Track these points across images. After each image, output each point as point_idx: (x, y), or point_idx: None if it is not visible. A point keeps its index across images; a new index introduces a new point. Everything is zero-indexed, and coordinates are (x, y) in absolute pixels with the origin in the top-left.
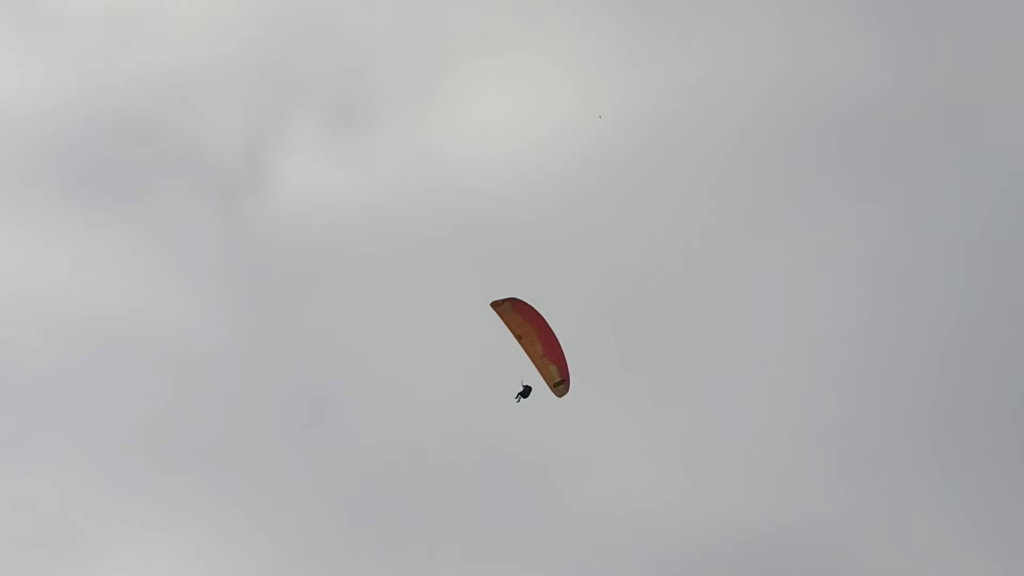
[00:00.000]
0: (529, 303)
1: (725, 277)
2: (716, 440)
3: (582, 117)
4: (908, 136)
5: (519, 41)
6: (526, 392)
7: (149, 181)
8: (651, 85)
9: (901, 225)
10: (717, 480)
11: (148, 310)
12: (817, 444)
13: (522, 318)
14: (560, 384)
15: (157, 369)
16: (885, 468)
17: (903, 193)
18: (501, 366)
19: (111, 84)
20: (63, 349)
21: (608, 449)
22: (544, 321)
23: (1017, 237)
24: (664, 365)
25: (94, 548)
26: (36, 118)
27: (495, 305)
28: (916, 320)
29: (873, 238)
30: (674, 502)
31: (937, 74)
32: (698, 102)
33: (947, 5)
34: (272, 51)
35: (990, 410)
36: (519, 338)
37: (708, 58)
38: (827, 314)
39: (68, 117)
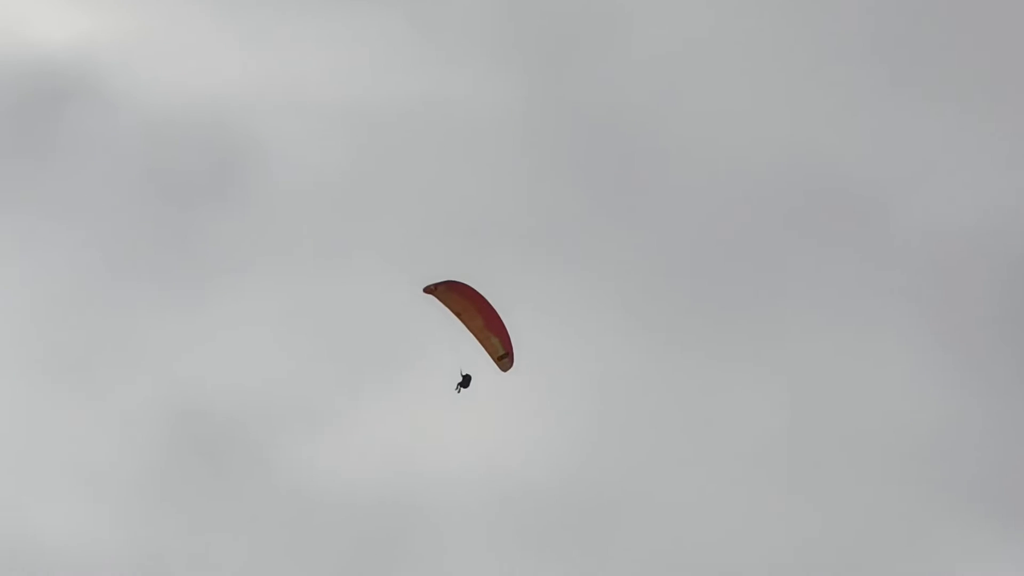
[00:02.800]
0: (464, 282)
1: None
2: None
3: None
4: None
5: None
6: (466, 381)
7: None
8: None
9: None
10: None
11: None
12: None
13: (458, 296)
14: (504, 357)
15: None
16: None
17: None
18: None
19: None
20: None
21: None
22: (482, 296)
23: None
24: None
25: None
26: None
27: (428, 290)
28: None
29: None
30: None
31: None
32: None
33: None
34: None
35: None
36: (459, 315)
37: None
38: None
39: None
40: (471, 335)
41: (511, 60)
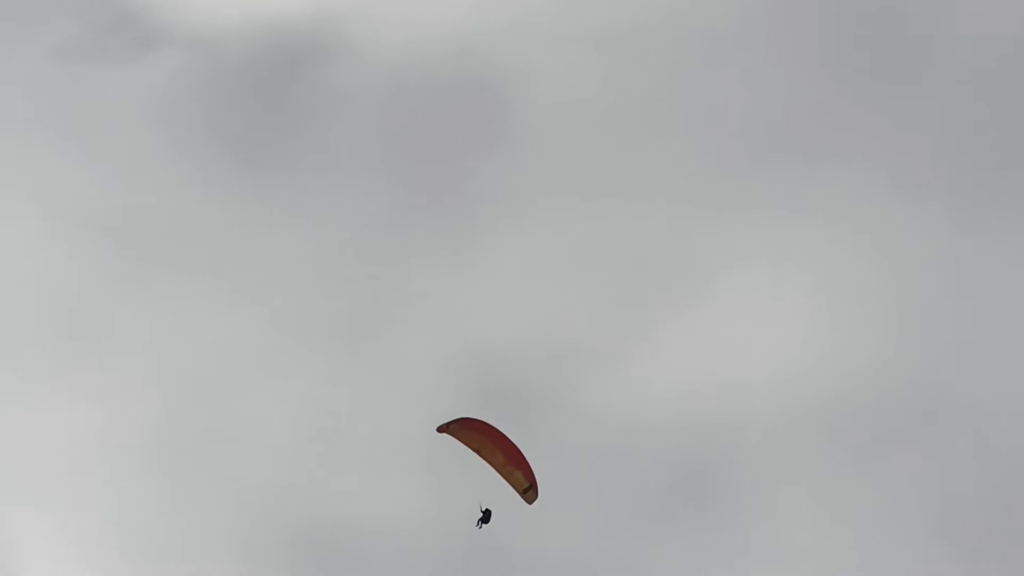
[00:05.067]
0: (477, 418)
1: None
2: None
3: None
4: None
5: None
6: (486, 517)
7: None
8: None
9: None
10: None
11: None
12: None
13: (475, 433)
14: (529, 490)
15: None
16: None
17: None
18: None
19: None
20: None
21: None
22: (498, 431)
23: None
24: None
25: None
26: None
27: (442, 430)
28: None
29: None
30: None
31: None
32: None
33: None
34: None
35: None
36: (477, 452)
37: None
38: None
39: None
40: (493, 470)
41: None
